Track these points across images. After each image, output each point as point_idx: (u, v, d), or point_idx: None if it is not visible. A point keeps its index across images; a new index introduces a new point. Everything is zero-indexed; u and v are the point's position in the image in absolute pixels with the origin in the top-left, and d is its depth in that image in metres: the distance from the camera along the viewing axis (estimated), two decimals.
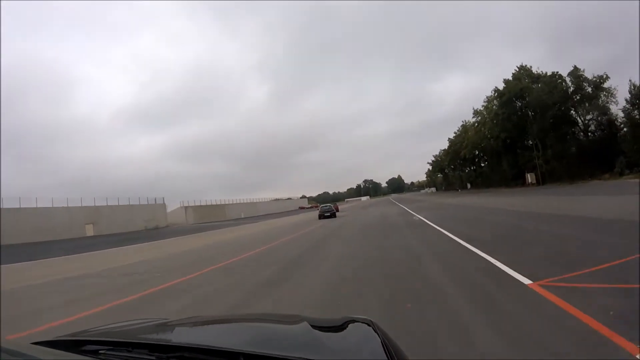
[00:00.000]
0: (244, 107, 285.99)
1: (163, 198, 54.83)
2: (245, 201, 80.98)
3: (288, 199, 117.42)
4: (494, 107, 47.84)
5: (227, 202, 72.39)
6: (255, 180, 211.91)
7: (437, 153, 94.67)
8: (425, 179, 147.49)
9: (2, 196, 37.50)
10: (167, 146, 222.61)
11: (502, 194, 33.94)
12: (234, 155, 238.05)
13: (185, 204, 61.37)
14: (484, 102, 51.66)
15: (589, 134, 38.38)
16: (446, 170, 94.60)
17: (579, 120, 39.22)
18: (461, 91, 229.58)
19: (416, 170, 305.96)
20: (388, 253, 7.81)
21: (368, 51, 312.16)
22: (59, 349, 0.97)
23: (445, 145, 79.72)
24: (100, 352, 0.94)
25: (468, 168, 72.92)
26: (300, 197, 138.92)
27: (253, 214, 75.51)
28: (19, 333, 4.12)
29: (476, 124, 54.64)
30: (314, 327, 1.06)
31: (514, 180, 47.66)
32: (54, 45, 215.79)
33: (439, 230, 10.67)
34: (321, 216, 26.83)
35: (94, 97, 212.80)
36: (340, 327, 1.06)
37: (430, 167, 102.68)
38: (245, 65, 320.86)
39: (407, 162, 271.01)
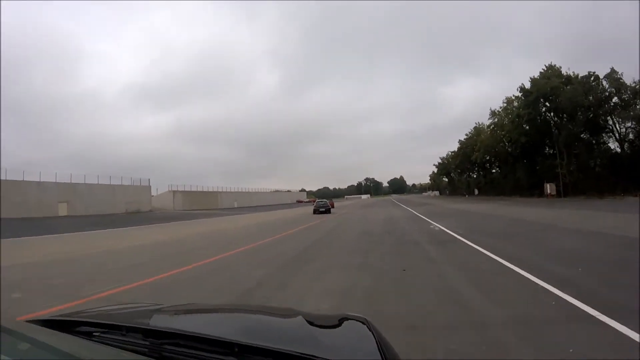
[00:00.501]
0: (252, 94, 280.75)
1: (149, 180, 50.84)
2: (241, 190, 77.04)
3: (288, 191, 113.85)
4: (514, 108, 43.70)
5: (220, 190, 68.31)
6: (256, 169, 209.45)
7: (445, 155, 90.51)
8: (428, 182, 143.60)
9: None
10: (171, 127, 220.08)
11: (521, 203, 29.96)
12: (237, 141, 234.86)
13: (174, 189, 57.33)
14: (503, 102, 47.45)
15: (626, 144, 34.15)
16: (452, 174, 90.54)
17: (616, 129, 34.95)
18: (470, 97, 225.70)
19: (418, 173, 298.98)
20: (417, 314, 3.93)
21: (380, 49, 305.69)
22: (53, 329, 0.97)
23: (452, 148, 75.76)
24: (94, 334, 0.95)
25: (477, 173, 68.65)
26: (300, 190, 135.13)
27: (247, 204, 71.84)
28: None
29: (492, 126, 50.34)
30: (309, 322, 1.03)
31: (530, 189, 43.58)
32: (67, 18, 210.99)
33: (488, 255, 6.79)
34: (316, 211, 26.73)
35: (103, 72, 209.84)
36: (335, 324, 1.04)
37: (436, 169, 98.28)
38: (257, 52, 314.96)
39: (410, 164, 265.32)
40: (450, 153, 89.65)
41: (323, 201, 30.68)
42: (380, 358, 0.77)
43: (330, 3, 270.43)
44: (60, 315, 1.10)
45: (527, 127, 40.53)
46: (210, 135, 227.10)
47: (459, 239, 9.08)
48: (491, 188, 60.04)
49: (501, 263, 5.98)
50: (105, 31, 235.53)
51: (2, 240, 11.61)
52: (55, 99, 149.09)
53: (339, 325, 1.03)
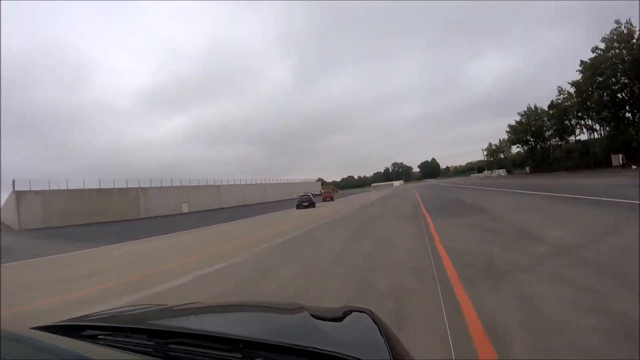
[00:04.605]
0: (266, 89, 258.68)
1: None
2: (198, 184, 47.96)
3: (305, 182, 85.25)
4: None
5: (148, 185, 39.59)
6: (279, 165, 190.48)
7: (524, 110, 58.11)
8: (464, 163, 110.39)
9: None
10: (187, 129, 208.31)
11: None
12: (257, 139, 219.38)
13: (48, 188, 29.68)
14: None
15: None
16: (534, 141, 58.12)
17: None
18: (498, 74, 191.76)
19: (450, 155, 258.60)
20: None
21: (397, 23, 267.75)
22: (58, 334, 0.96)
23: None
24: (99, 337, 0.95)
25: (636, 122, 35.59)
26: (317, 180, 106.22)
27: (212, 204, 43.94)
28: None
29: None
30: (314, 316, 1.02)
31: None
32: (68, 28, 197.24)
33: None
34: (299, 206, 26.09)
35: (111, 80, 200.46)
36: (340, 317, 1.03)
37: (509, 136, 65.56)
38: (266, 40, 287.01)
39: (440, 146, 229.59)
40: (532, 107, 57.48)
41: (306, 195, 29.11)
42: (385, 347, 0.77)
43: None
44: (65, 321, 1.08)
45: None
46: (228, 134, 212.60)
47: None
48: None
49: None
50: (109, 38, 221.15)
51: None
52: (67, 111, 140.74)
53: (343, 317, 1.01)
